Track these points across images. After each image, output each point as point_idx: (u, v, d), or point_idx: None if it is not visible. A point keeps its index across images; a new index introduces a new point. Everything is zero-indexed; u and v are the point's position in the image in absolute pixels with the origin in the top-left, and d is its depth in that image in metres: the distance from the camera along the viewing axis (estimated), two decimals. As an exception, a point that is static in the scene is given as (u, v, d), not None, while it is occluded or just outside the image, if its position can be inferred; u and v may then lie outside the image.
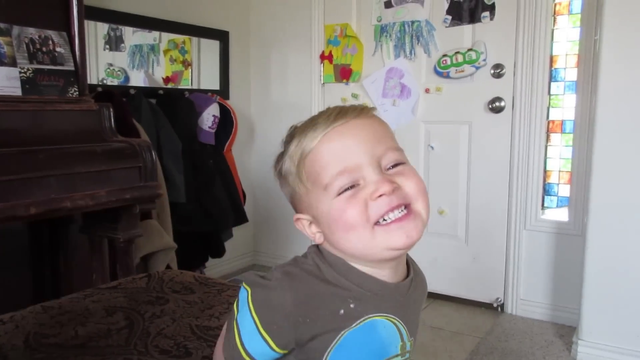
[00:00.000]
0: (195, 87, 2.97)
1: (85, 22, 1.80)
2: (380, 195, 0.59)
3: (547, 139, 2.37)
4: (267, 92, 3.01)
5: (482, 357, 2.06)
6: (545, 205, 2.43)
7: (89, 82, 1.80)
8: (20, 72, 1.49)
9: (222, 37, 2.95)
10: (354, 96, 2.76)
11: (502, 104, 2.38)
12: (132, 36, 2.77)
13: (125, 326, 0.99)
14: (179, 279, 1.24)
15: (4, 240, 1.70)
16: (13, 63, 1.48)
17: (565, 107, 2.38)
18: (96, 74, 2.51)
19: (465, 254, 2.58)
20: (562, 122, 2.39)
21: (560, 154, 2.42)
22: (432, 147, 2.59)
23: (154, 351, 0.90)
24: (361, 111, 0.64)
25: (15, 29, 1.51)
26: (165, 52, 2.94)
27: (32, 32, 1.55)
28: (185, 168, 2.43)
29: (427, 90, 2.56)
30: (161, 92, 2.62)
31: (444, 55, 2.48)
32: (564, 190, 2.42)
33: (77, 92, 1.62)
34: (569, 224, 2.32)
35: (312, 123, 0.62)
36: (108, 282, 1.70)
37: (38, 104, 1.47)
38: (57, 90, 1.57)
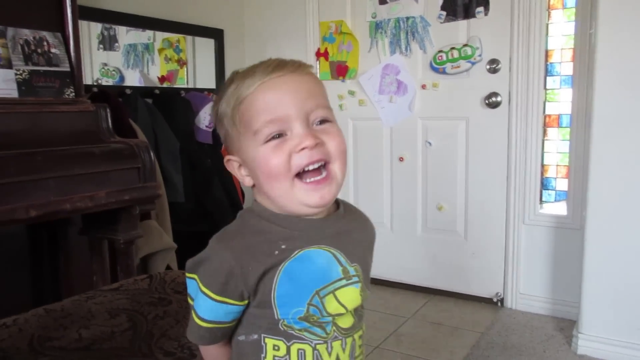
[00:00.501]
0: (190, 86, 2.96)
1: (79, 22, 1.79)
2: (303, 149, 0.63)
3: (544, 133, 2.37)
4: (263, 91, 3.00)
5: (483, 351, 2.06)
6: (544, 199, 2.44)
7: (84, 82, 1.79)
8: (16, 74, 1.48)
9: (217, 35, 2.94)
10: (351, 93, 2.76)
11: (499, 99, 2.38)
12: (126, 35, 2.75)
13: (128, 328, 0.99)
14: (181, 280, 1.24)
15: (2, 243, 1.69)
16: (9, 65, 1.47)
17: (561, 101, 2.39)
18: (91, 74, 2.49)
19: (465, 249, 2.58)
20: (559, 116, 2.40)
21: (557, 148, 2.43)
22: (429, 143, 2.59)
23: (158, 353, 0.89)
24: (299, 67, 0.67)
25: (10, 31, 1.49)
26: (160, 51, 2.92)
27: (26, 33, 1.53)
28: (183, 168, 2.42)
29: (423, 87, 2.56)
30: (157, 91, 2.61)
31: (440, 51, 2.48)
32: (562, 184, 2.43)
33: (74, 93, 1.61)
34: (567, 217, 2.32)
35: (251, 71, 0.66)
36: (109, 284, 1.69)
37: (35, 105, 1.46)
38: (53, 92, 1.56)
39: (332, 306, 0.66)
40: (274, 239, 0.66)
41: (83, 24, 2.38)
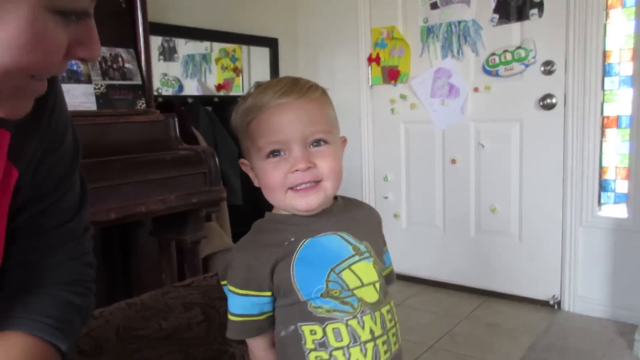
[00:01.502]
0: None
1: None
2: (296, 170, 0.72)
3: (602, 134, 2.33)
4: (316, 96, 3.08)
5: (539, 354, 2.05)
6: (602, 201, 2.40)
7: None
8: (94, 89, 1.62)
9: (271, 44, 3.04)
10: (402, 97, 2.80)
11: (554, 100, 2.36)
12: (185, 46, 2.90)
13: (203, 320, 1.08)
14: (246, 278, 1.32)
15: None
16: (88, 80, 1.61)
17: (620, 102, 2.33)
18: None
19: (519, 251, 2.57)
20: (618, 118, 2.35)
21: (616, 149, 2.38)
22: (482, 146, 2.60)
23: (232, 342, 0.97)
24: (305, 92, 0.74)
25: (90, 49, 1.63)
26: (217, 60, 3.06)
27: (104, 50, 1.67)
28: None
29: (476, 89, 2.57)
30: (216, 99, 2.74)
31: (492, 54, 2.48)
32: (622, 186, 2.37)
33: (145, 104, 1.73)
34: (628, 220, 2.27)
35: (263, 92, 0.74)
36: (176, 281, 1.81)
37: (111, 117, 1.59)
38: (127, 104, 1.69)
39: (350, 279, 0.73)
40: (283, 233, 0.74)
41: (148, 38, 2.54)
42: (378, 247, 0.80)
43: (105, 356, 0.93)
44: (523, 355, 2.05)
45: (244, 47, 3.06)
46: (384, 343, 0.74)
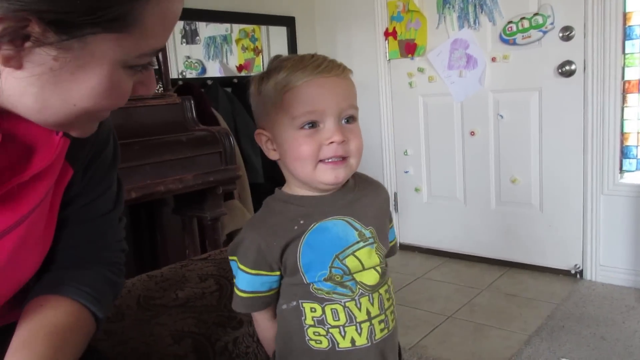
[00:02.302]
0: (266, 73, 3.12)
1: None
2: (332, 142, 0.74)
3: (624, 100, 2.29)
4: (335, 73, 3.10)
5: (558, 321, 2.07)
6: (624, 168, 2.36)
7: (170, 76, 1.99)
8: (113, 74, 1.69)
9: (288, 22, 3.07)
10: (420, 70, 2.79)
11: (573, 67, 2.32)
12: (206, 29, 2.95)
13: (216, 290, 1.15)
14: (260, 250, 1.39)
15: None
16: (107, 66, 1.68)
17: (641, 65, 2.28)
18: (176, 67, 2.72)
19: (540, 221, 2.56)
20: None
21: (638, 115, 2.33)
22: (501, 116, 2.58)
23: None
24: (343, 71, 0.77)
25: (107, 36, 1.70)
26: (237, 41, 3.10)
27: (121, 37, 1.74)
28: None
29: (493, 59, 2.54)
30: (235, 80, 2.79)
31: (509, 22, 2.45)
32: (644, 152, 2.33)
33: (162, 88, 1.80)
34: (649, 186, 2.24)
35: (301, 64, 0.75)
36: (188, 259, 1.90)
37: (130, 101, 1.64)
38: (145, 88, 1.76)
39: (352, 264, 0.76)
40: (293, 216, 0.77)
41: (167, 22, 2.61)
42: (384, 229, 0.83)
43: (125, 321, 1.01)
44: (541, 324, 2.07)
45: (263, 27, 3.09)
46: (380, 322, 0.78)
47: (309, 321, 0.78)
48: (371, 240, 0.79)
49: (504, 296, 2.37)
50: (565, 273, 2.52)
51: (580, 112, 2.35)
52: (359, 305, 0.77)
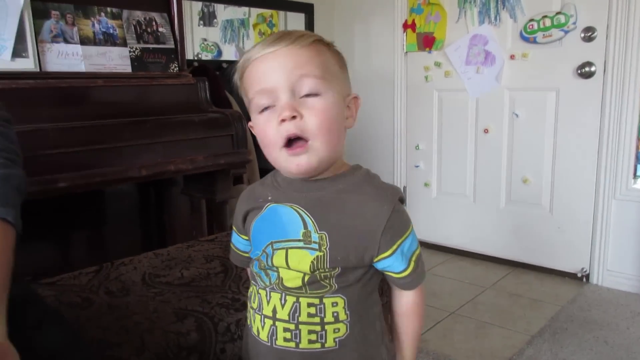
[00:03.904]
0: (282, 58, 3.10)
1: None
2: (283, 120, 0.66)
3: (642, 104, 2.25)
4: (351, 63, 3.06)
5: (561, 323, 2.06)
6: (638, 174, 2.33)
7: (186, 57, 1.99)
8: (130, 52, 1.69)
9: (307, 9, 3.05)
10: (437, 64, 2.77)
11: (593, 68, 2.28)
12: (224, 12, 2.94)
13: (221, 271, 1.15)
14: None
15: (118, 200, 1.96)
16: (124, 43, 1.68)
17: (663, 70, 2.24)
18: (192, 49, 2.71)
19: (550, 223, 2.54)
20: (659, 87, 2.25)
21: (656, 120, 2.29)
22: (516, 115, 2.55)
23: (244, 292, 1.04)
24: (295, 39, 0.68)
25: (125, 13, 1.70)
26: (255, 25, 3.09)
27: (138, 14, 1.74)
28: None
29: (512, 57, 2.51)
30: (250, 65, 2.77)
31: (531, 20, 2.41)
32: (660, 159, 2.30)
33: (177, 68, 1.80)
34: (663, 194, 2.21)
35: (255, 45, 0.71)
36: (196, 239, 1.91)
37: (145, 79, 1.67)
38: (160, 67, 1.76)
39: (278, 260, 0.71)
40: (266, 190, 0.75)
41: (186, 3, 2.59)
42: (355, 248, 0.71)
43: (130, 297, 1.01)
44: (544, 325, 2.06)
45: (281, 13, 3.07)
46: (286, 330, 0.71)
47: (251, 289, 0.79)
48: (314, 246, 0.69)
49: (508, 296, 2.36)
50: (572, 276, 2.50)
51: (597, 114, 2.31)
52: (268, 298, 0.73)
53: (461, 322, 2.12)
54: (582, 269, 2.47)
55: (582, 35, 2.30)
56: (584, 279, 2.47)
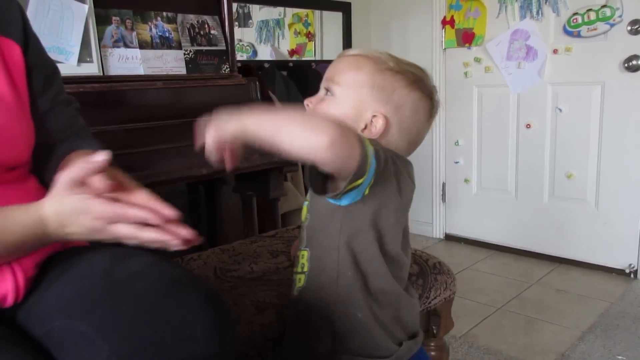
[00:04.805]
0: (318, 58, 3.14)
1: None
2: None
3: (692, 97, 2.22)
4: (388, 60, 3.09)
5: (612, 320, 2.04)
6: (688, 168, 2.29)
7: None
8: (184, 54, 1.74)
9: (344, 8, 3.07)
10: (477, 60, 2.76)
11: (640, 61, 2.26)
12: (259, 12, 2.98)
13: (289, 266, 1.18)
14: (325, 231, 1.42)
15: (170, 199, 2.01)
16: (179, 46, 1.73)
17: None
18: (230, 50, 2.75)
19: (595, 218, 2.51)
20: None
21: None
22: (560, 110, 2.53)
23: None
24: (342, 53, 0.86)
25: (179, 17, 1.75)
26: (290, 25, 3.12)
27: (191, 18, 1.78)
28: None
29: (555, 51, 2.49)
30: (291, 64, 2.82)
31: (575, 14, 2.39)
32: None
33: (229, 69, 1.84)
34: None
35: None
36: (257, 234, 1.94)
37: (200, 80, 1.71)
38: (213, 68, 1.81)
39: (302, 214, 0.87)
40: None
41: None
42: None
43: (206, 291, 1.05)
44: (594, 322, 2.04)
45: (317, 12, 3.10)
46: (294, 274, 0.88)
47: None
48: (308, 198, 0.86)
49: (554, 292, 2.35)
50: (619, 272, 2.47)
51: (645, 108, 2.28)
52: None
53: (509, 317, 2.11)
54: (630, 264, 2.43)
55: (629, 28, 2.27)
56: (632, 275, 2.43)
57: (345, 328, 0.80)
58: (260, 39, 3.04)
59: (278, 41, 3.12)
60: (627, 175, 2.38)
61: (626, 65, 2.29)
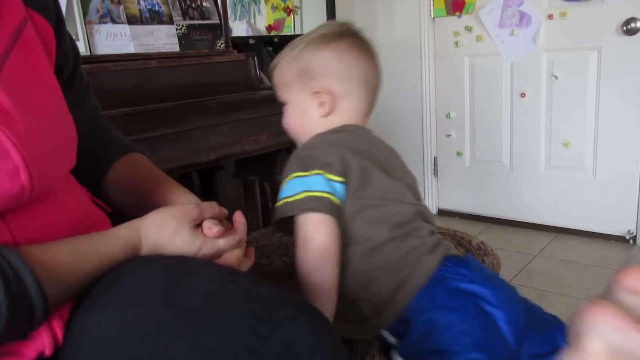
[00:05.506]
0: (298, 33, 3.00)
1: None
2: None
3: (691, 59, 2.20)
4: (373, 32, 2.97)
5: (622, 287, 2.03)
6: (686, 131, 2.29)
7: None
8: (176, 29, 1.58)
9: (326, -22, 2.93)
10: (468, 29, 2.67)
11: (638, 25, 2.21)
12: (234, -14, 2.81)
13: (324, 256, 1.08)
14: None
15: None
16: (170, 21, 1.57)
17: None
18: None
19: (593, 186, 2.50)
20: None
21: None
22: (555, 77, 2.48)
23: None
24: (277, 62, 0.91)
25: (168, -13, 1.59)
26: (267, 0, 2.97)
27: (181, -12, 1.62)
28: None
29: (550, 17, 2.43)
30: (276, 39, 2.67)
31: (571, -23, 2.33)
32: None
33: (224, 44, 1.69)
34: None
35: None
36: (260, 222, 1.83)
37: (195, 57, 1.57)
38: (207, 44, 1.66)
39: None
40: None
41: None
42: None
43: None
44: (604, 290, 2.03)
45: (295, -15, 2.95)
46: None
47: None
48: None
49: (559, 262, 2.33)
50: (618, 239, 2.47)
51: (643, 72, 2.25)
52: None
53: (520, 290, 2.07)
54: (629, 230, 2.44)
55: (626, -11, 2.22)
56: (631, 241, 2.44)
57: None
58: (235, 15, 2.88)
59: (254, 17, 2.97)
60: (625, 142, 2.36)
61: (624, 28, 2.25)
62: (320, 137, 0.85)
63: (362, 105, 0.89)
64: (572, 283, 2.11)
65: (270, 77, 0.93)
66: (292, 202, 0.77)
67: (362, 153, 0.82)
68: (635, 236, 2.43)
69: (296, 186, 0.77)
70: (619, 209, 2.45)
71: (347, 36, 0.87)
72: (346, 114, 0.87)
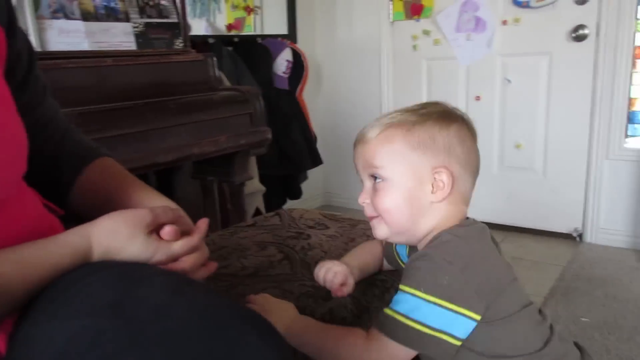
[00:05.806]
0: (258, 32, 2.99)
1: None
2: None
3: (633, 65, 2.31)
4: (333, 34, 3.00)
5: (569, 283, 2.12)
6: (629, 133, 2.41)
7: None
8: (133, 27, 1.56)
9: (287, -22, 2.92)
10: (425, 32, 2.73)
11: (586, 31, 2.32)
12: (191, -16, 2.77)
13: (283, 258, 1.09)
14: (308, 217, 1.33)
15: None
16: (126, 18, 1.54)
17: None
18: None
19: (543, 186, 2.60)
20: (651, 48, 2.32)
21: (645, 81, 2.37)
22: (509, 80, 2.57)
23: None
24: (363, 137, 0.81)
25: (124, -16, 1.56)
26: (227, -1, 2.94)
27: (138, -14, 1.59)
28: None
29: (504, 22, 2.51)
30: (237, 39, 2.65)
31: (523, -16, 2.41)
32: (649, 118, 2.38)
33: (182, 44, 1.68)
34: (655, 152, 2.29)
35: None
36: (219, 224, 1.82)
37: (152, 57, 1.54)
38: (165, 43, 1.64)
39: None
40: None
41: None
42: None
43: (200, 294, 0.93)
44: (553, 286, 2.12)
45: (256, -18, 2.94)
46: None
47: None
48: None
49: (510, 259, 2.40)
50: (566, 236, 2.58)
51: (590, 76, 2.36)
52: None
53: (474, 288, 2.14)
54: (576, 228, 2.55)
55: (575, -2, 2.32)
56: (578, 238, 2.55)
57: None
58: (194, 13, 2.84)
59: (214, 15, 2.93)
60: (574, 143, 2.47)
61: (573, 35, 2.34)
62: (459, 244, 0.76)
63: (468, 192, 0.81)
64: (522, 280, 2.18)
65: (359, 141, 0.81)
66: (425, 334, 0.68)
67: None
68: (582, 234, 2.54)
69: (437, 318, 0.68)
70: (567, 208, 2.56)
71: (463, 120, 0.82)
72: (459, 202, 0.79)
